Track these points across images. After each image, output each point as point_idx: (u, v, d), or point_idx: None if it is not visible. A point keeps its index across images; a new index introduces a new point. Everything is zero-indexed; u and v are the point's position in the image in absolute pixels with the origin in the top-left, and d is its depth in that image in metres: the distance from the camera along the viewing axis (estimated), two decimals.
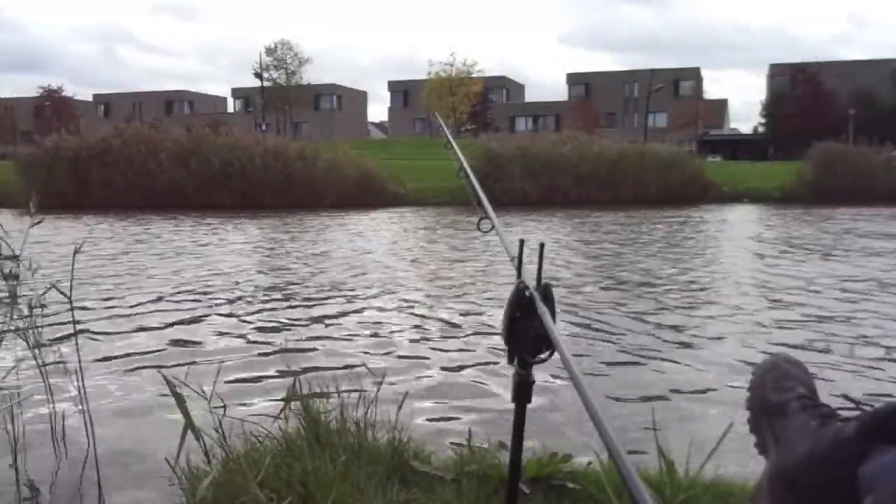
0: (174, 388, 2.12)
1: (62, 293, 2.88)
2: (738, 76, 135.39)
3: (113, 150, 26.49)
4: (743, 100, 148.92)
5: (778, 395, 1.02)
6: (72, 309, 3.04)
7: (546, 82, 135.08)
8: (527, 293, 1.28)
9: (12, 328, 3.02)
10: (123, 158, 26.18)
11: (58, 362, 3.86)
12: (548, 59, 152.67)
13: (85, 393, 3.05)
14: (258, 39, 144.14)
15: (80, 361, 3.08)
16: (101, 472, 2.96)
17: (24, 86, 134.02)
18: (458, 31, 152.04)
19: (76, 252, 2.98)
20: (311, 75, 65.26)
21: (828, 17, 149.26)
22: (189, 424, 2.09)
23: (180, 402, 2.11)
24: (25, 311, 3.03)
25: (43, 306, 3.16)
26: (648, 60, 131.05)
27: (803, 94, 54.55)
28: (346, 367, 4.70)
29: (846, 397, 0.94)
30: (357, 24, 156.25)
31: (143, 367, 4.76)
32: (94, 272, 9.09)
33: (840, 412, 0.93)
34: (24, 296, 3.11)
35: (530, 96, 76.33)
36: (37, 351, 3.09)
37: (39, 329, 3.16)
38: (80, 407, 3.18)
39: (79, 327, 5.77)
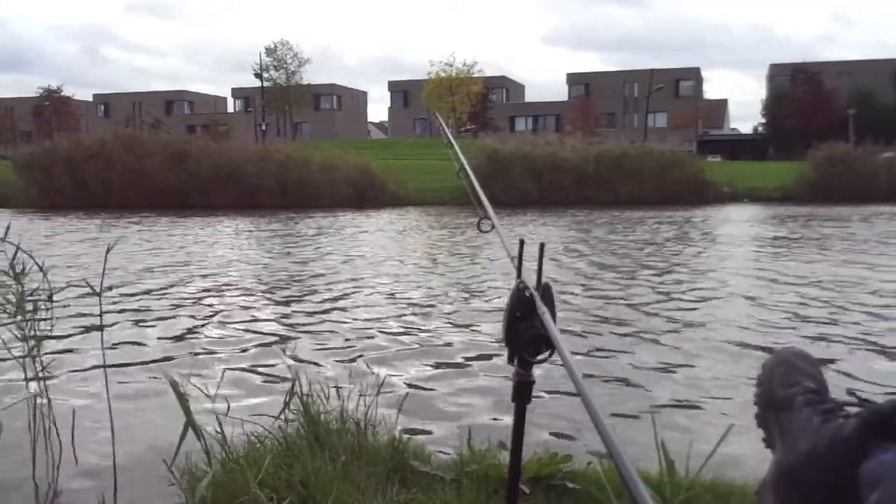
0: (177, 387, 2.12)
1: (93, 290, 2.88)
2: (726, 76, 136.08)
3: (111, 151, 26.54)
4: (732, 100, 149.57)
5: (784, 390, 1.01)
6: (100, 304, 3.03)
7: (535, 82, 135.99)
8: (527, 293, 1.28)
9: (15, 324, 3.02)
10: (120, 159, 26.23)
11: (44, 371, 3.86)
12: (534, 59, 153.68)
13: (108, 391, 3.05)
14: (242, 39, 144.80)
15: (104, 360, 3.07)
16: (99, 473, 2.96)
17: (10, 85, 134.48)
18: (441, 32, 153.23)
19: (108, 250, 2.99)
20: (311, 75, 65.30)
21: (812, 17, 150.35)
22: (190, 423, 2.09)
23: (183, 401, 2.11)
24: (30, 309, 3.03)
25: (44, 307, 3.15)
26: (634, 59, 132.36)
27: (803, 94, 54.54)
28: (346, 367, 4.70)
29: (851, 394, 0.94)
30: (340, 25, 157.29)
31: (139, 367, 4.76)
32: (89, 270, 9.08)
33: (847, 408, 0.93)
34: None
35: (530, 96, 76.46)
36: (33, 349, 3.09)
37: (41, 325, 3.15)
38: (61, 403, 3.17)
39: (75, 326, 5.79)
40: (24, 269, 2.97)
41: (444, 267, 10.08)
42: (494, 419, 3.71)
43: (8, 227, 3.02)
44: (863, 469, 0.79)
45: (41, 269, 2.99)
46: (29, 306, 3.02)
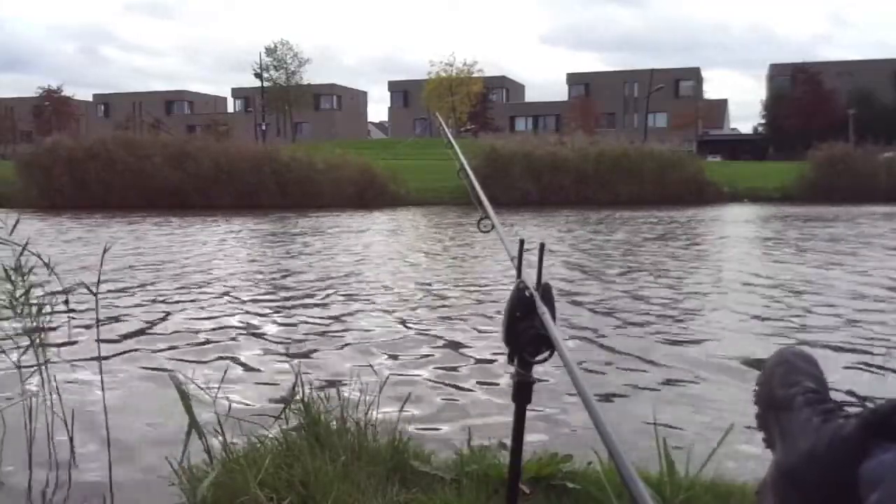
0: (180, 387, 2.12)
1: (89, 290, 2.88)
2: (726, 76, 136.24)
3: (111, 151, 26.54)
4: (732, 100, 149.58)
5: (784, 390, 1.01)
6: (97, 303, 3.03)
7: (535, 82, 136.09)
8: (527, 293, 1.28)
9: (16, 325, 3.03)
10: (121, 159, 26.23)
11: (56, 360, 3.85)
12: (533, 59, 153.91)
13: (104, 391, 3.05)
14: (242, 39, 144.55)
15: (99, 359, 3.08)
16: (100, 473, 2.96)
17: (10, 85, 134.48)
18: (441, 32, 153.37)
19: (105, 251, 2.99)
20: (311, 75, 65.26)
21: (812, 17, 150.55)
22: (193, 424, 2.09)
23: (185, 400, 2.11)
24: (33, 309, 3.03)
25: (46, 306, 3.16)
26: (634, 59, 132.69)
27: (803, 94, 54.54)
28: (346, 367, 4.70)
29: (851, 394, 0.94)
30: (340, 25, 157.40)
31: (138, 367, 4.75)
32: (88, 269, 9.07)
33: (846, 408, 0.93)
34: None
35: (530, 96, 76.45)
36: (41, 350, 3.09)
37: (41, 327, 3.15)
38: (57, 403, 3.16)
39: (74, 325, 5.78)
40: (20, 267, 2.97)
41: (443, 266, 10.08)
42: (494, 419, 3.71)
43: (17, 222, 3.03)
44: (863, 469, 0.79)
45: (49, 267, 2.99)
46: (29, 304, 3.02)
